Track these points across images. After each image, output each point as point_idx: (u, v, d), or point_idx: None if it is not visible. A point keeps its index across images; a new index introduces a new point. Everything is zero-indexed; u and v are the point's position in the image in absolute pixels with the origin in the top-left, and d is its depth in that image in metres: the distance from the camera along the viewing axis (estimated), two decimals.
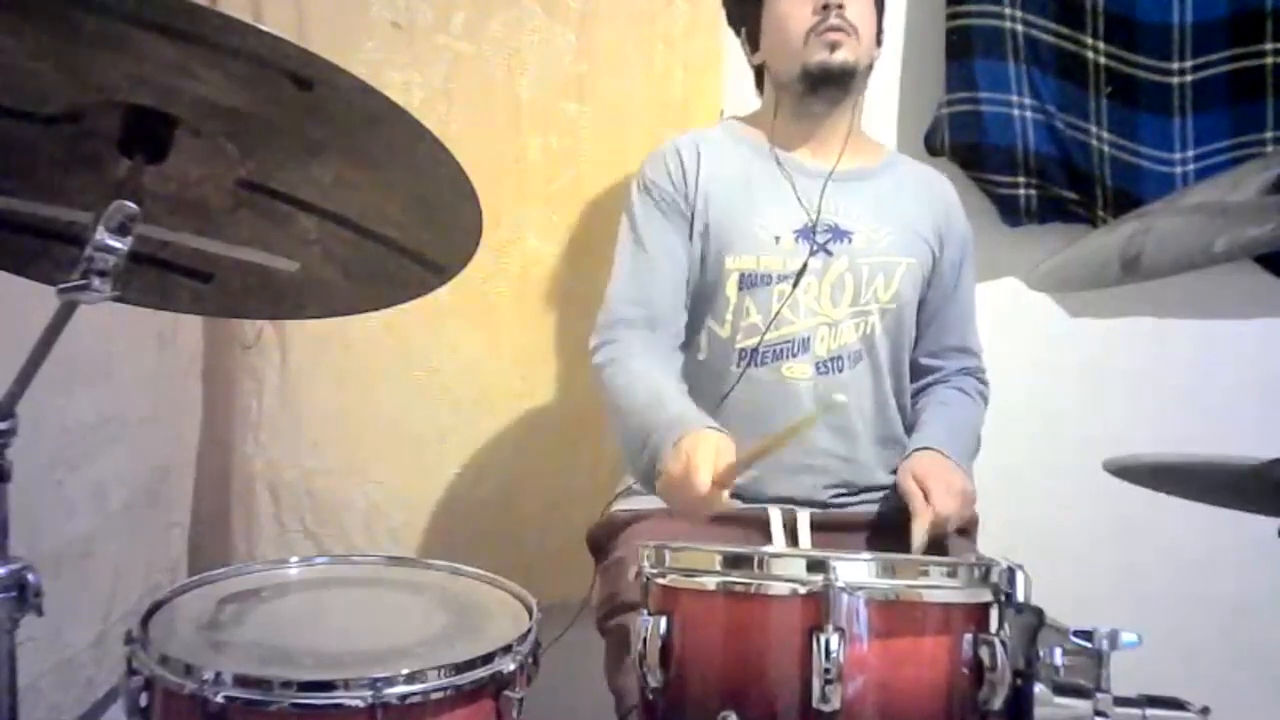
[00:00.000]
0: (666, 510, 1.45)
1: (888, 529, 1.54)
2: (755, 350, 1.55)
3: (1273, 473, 1.15)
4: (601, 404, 1.59)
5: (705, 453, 1.32)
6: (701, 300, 1.58)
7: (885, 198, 1.62)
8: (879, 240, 1.58)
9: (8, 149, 0.98)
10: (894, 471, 1.60)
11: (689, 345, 1.61)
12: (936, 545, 1.45)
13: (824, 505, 1.56)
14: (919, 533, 1.38)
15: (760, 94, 1.70)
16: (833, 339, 1.56)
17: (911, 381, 1.67)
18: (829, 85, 1.56)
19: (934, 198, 1.67)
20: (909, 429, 1.64)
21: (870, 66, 1.62)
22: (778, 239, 1.56)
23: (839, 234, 1.57)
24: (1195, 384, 2.06)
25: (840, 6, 1.52)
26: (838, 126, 1.60)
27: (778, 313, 1.54)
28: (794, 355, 1.55)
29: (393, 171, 1.00)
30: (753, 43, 1.65)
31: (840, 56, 1.53)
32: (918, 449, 1.53)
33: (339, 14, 1.83)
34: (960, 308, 1.68)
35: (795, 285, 1.54)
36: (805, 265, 1.54)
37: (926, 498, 1.42)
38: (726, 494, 1.31)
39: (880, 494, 1.60)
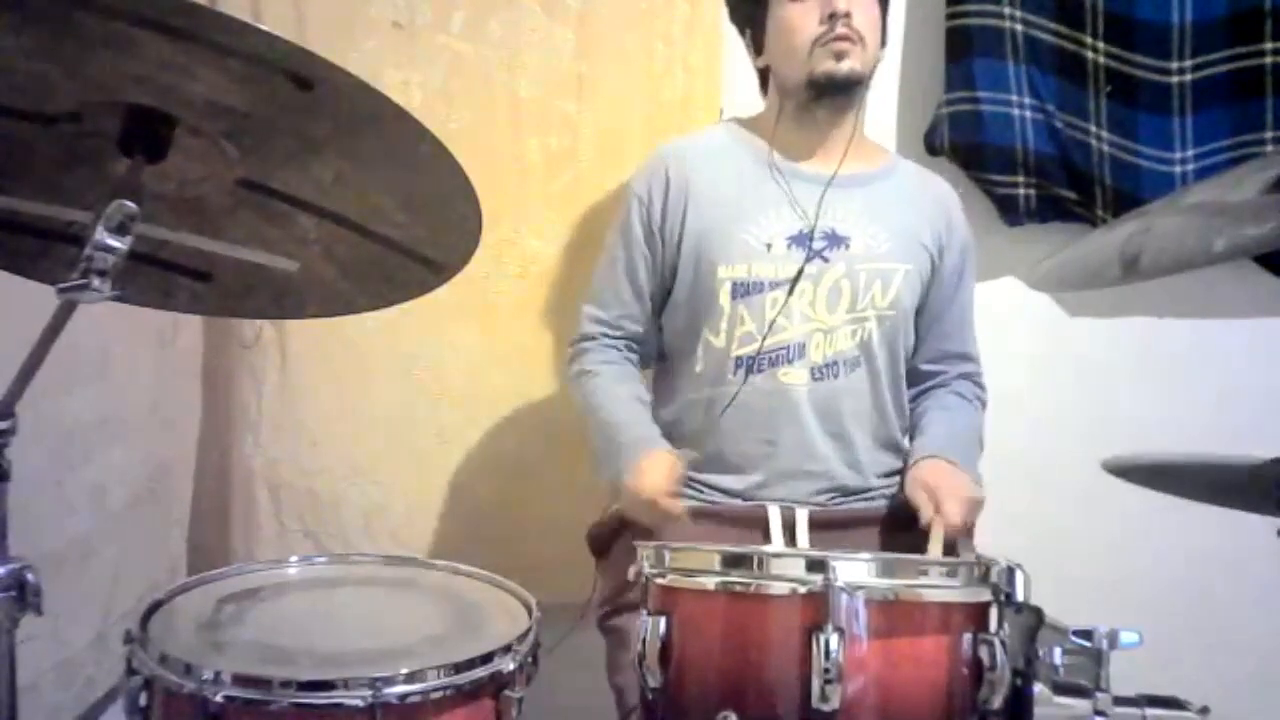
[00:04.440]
0: None
1: (889, 526, 1.55)
2: (751, 358, 1.54)
3: (1273, 473, 1.15)
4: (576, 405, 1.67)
5: (657, 469, 1.44)
6: (696, 312, 1.58)
7: (885, 203, 1.61)
8: (878, 246, 1.57)
9: (8, 149, 0.98)
10: (889, 474, 1.61)
11: (685, 357, 1.61)
12: (946, 547, 1.45)
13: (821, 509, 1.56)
14: (935, 547, 1.38)
15: (765, 95, 1.68)
16: (828, 345, 1.55)
17: (911, 386, 1.67)
18: (835, 94, 1.55)
19: (935, 203, 1.66)
20: (907, 434, 1.65)
21: (874, 70, 1.61)
22: (769, 246, 1.55)
23: (836, 240, 1.56)
24: (1194, 384, 2.06)
25: (847, 16, 1.51)
26: (841, 132, 1.59)
27: (773, 321, 1.53)
28: (789, 361, 1.55)
29: (393, 171, 1.00)
30: (757, 46, 1.63)
31: (847, 66, 1.52)
32: (923, 456, 1.52)
33: (338, 13, 1.83)
34: (960, 314, 1.67)
35: (790, 292, 1.53)
36: (800, 271, 1.53)
37: (937, 508, 1.42)
38: (679, 505, 1.42)
39: (878, 494, 1.59)
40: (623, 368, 1.64)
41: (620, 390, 1.61)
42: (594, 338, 1.65)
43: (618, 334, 1.65)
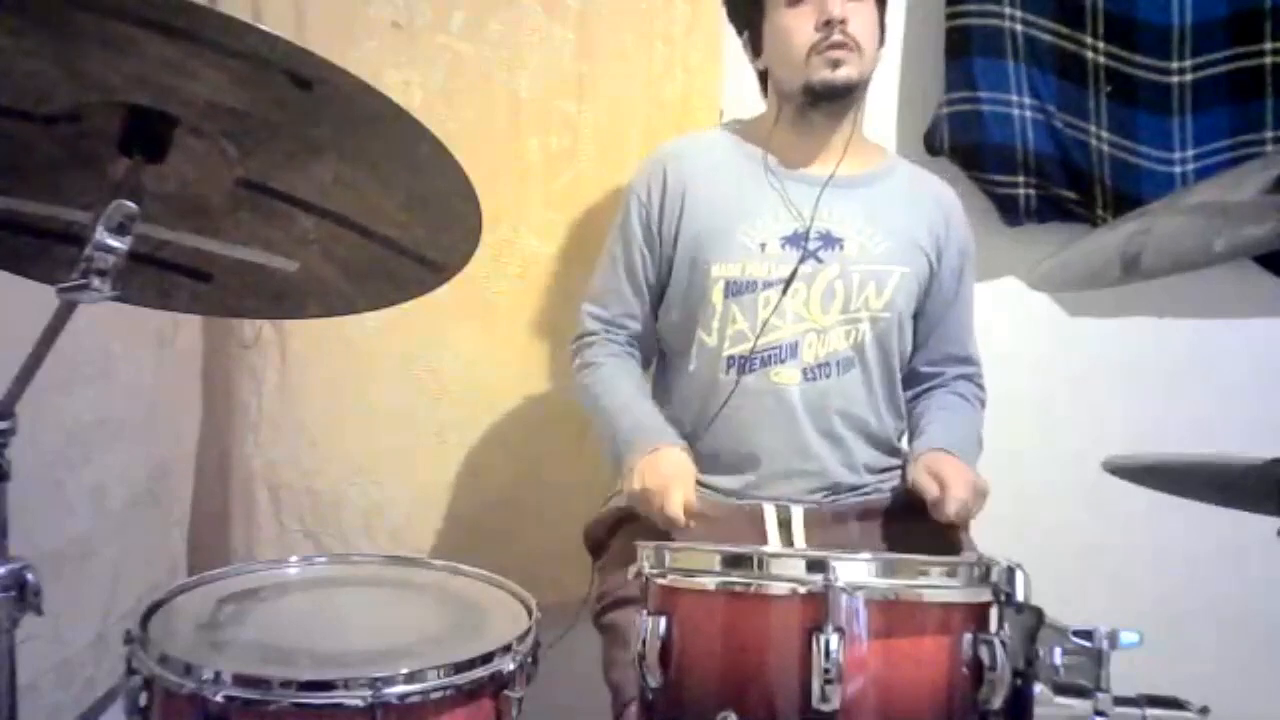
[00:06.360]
0: None
1: (886, 517, 1.56)
2: (744, 358, 1.55)
3: (1273, 473, 1.15)
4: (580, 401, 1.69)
5: (678, 478, 1.44)
6: (690, 310, 1.59)
7: (882, 204, 1.61)
8: (873, 248, 1.58)
9: (8, 149, 0.98)
10: (883, 470, 1.61)
11: (680, 356, 1.62)
12: (949, 543, 1.45)
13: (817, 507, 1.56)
14: (953, 501, 1.39)
15: (765, 96, 1.68)
16: (821, 345, 1.56)
17: (910, 388, 1.68)
18: (832, 100, 1.56)
19: (933, 204, 1.65)
20: (901, 434, 1.66)
21: (873, 72, 1.61)
22: (763, 246, 1.56)
23: (830, 241, 1.57)
24: (1195, 384, 2.06)
25: (843, 23, 1.51)
26: (838, 134, 1.60)
27: (765, 320, 1.53)
28: (781, 361, 1.55)
29: (393, 171, 1.00)
30: (755, 48, 1.64)
31: (844, 73, 1.53)
32: (924, 452, 1.53)
33: (338, 13, 1.83)
34: (960, 316, 1.68)
35: (784, 292, 1.54)
36: (795, 272, 1.54)
37: (943, 488, 1.43)
38: (690, 522, 1.41)
39: (873, 489, 1.60)
40: (625, 361, 1.66)
41: (625, 384, 1.62)
42: (595, 333, 1.67)
43: (619, 331, 1.66)
